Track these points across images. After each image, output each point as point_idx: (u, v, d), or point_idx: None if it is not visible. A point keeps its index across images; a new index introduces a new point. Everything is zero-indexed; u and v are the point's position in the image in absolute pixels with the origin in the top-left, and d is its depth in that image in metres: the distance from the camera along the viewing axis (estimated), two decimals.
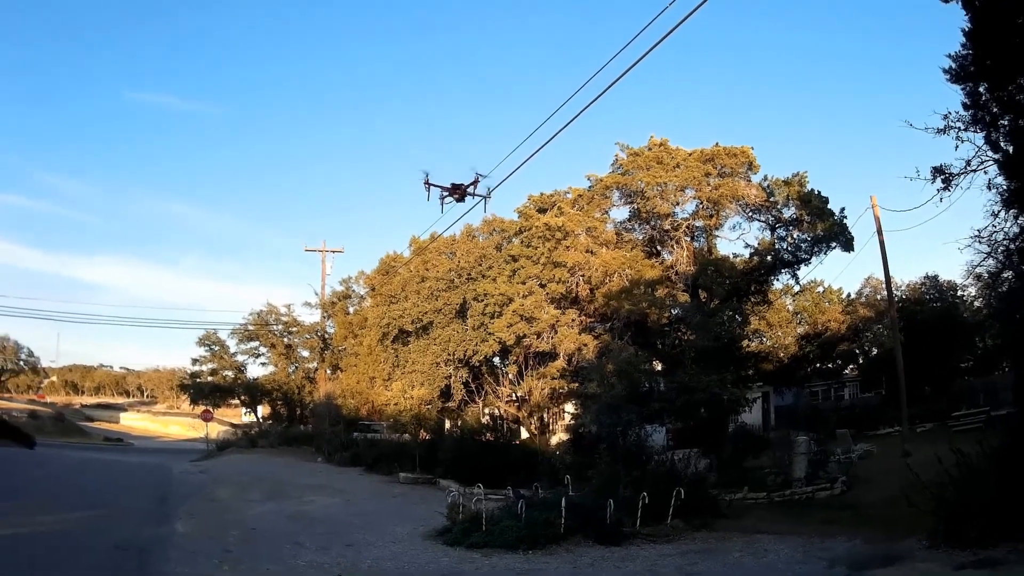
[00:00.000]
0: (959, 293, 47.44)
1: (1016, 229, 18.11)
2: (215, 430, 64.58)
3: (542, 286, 39.89)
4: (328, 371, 60.56)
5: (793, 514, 20.85)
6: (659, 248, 40.83)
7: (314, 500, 25.70)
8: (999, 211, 18.23)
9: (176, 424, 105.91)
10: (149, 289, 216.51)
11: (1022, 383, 14.52)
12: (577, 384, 37.37)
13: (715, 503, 21.67)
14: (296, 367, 66.03)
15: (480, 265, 43.29)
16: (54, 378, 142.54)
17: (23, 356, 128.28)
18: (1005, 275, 19.73)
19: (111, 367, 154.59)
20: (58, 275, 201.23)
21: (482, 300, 41.84)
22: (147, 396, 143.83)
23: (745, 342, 45.66)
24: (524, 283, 40.32)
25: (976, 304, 42.43)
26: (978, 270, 20.44)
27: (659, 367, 38.17)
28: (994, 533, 12.57)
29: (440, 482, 33.07)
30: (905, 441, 30.23)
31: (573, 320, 39.36)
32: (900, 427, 34.43)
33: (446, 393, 44.75)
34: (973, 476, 13.50)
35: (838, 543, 15.70)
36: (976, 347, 49.15)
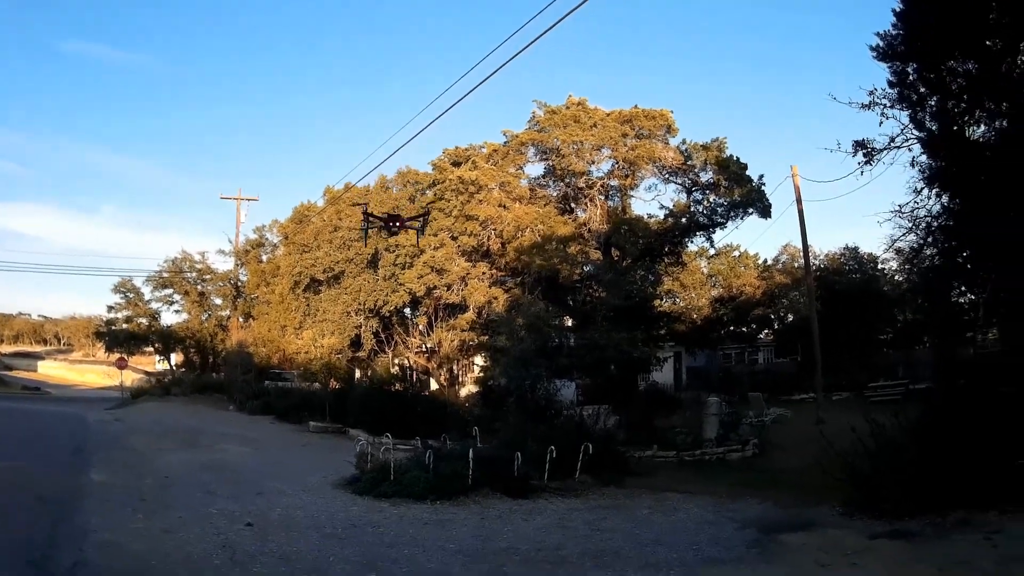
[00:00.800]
0: (879, 266, 48.21)
1: (938, 207, 18.72)
2: (130, 378, 63.94)
3: (454, 239, 40.16)
4: (241, 319, 60.49)
5: (703, 474, 21.51)
6: (573, 206, 41.07)
7: (226, 449, 25.98)
8: (922, 188, 18.89)
9: (92, 372, 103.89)
10: (69, 237, 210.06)
11: (942, 359, 15.13)
12: (487, 337, 37.95)
13: (624, 460, 22.32)
14: (209, 315, 65.54)
15: None
16: None
17: None
18: (927, 252, 20.27)
19: (29, 315, 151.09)
20: None
21: (393, 251, 42.18)
22: (64, 344, 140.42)
23: (658, 302, 46.23)
24: (436, 235, 40.54)
25: (896, 278, 43.18)
26: (899, 244, 20.95)
27: (570, 323, 38.67)
28: (909, 505, 13.19)
29: (350, 432, 33.59)
30: (820, 408, 31.08)
31: (484, 273, 39.84)
32: (815, 394, 35.33)
33: (356, 343, 45.13)
34: (888, 446, 14.10)
35: (749, 505, 16.34)
36: (896, 320, 50.01)
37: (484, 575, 11.96)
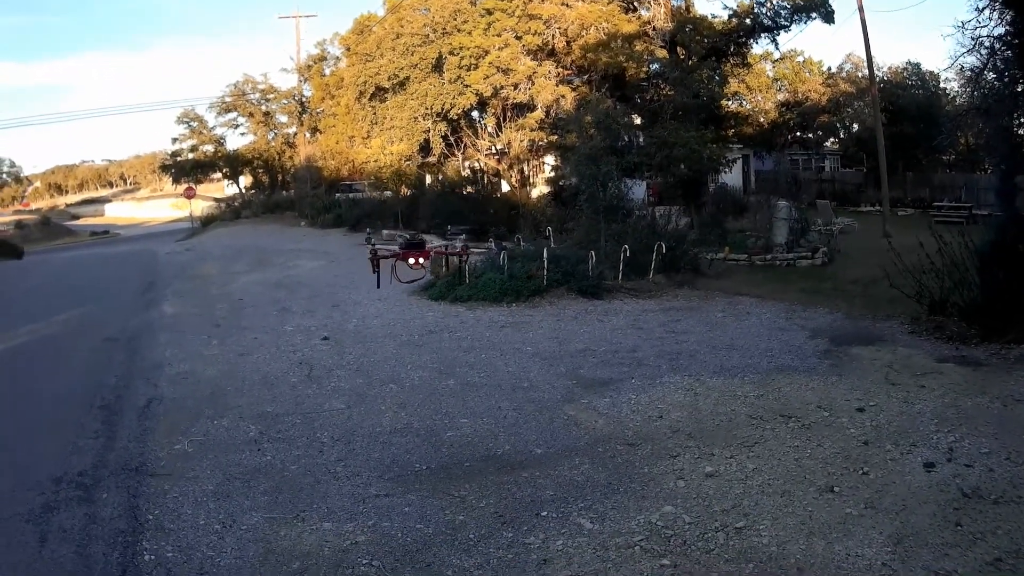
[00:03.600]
0: (941, 84, 47.29)
1: (1001, 30, 17.50)
2: (199, 207, 64.52)
3: (518, 38, 39.04)
4: (307, 134, 60.21)
5: (774, 279, 21.13)
6: (636, 4, 40.02)
7: (299, 265, 26.15)
8: (984, 7, 17.50)
9: (161, 207, 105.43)
10: (126, 81, 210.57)
11: (1007, 187, 14.29)
12: (556, 137, 37.24)
13: (696, 261, 22.13)
14: (275, 134, 65.33)
15: (455, 19, 41.83)
16: (38, 183, 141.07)
17: (5, 168, 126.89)
18: (988, 75, 19.16)
19: (92, 161, 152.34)
20: (38, 86, 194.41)
21: (457, 54, 40.89)
22: (131, 184, 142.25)
23: (725, 103, 45.25)
24: (499, 35, 39.42)
25: (959, 99, 41.19)
26: (960, 62, 19.77)
27: (638, 121, 38.02)
28: (974, 331, 12.87)
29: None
30: (886, 222, 30.20)
31: (550, 72, 38.79)
32: (881, 207, 34.47)
33: (425, 148, 44.54)
34: (956, 269, 13.59)
35: (819, 314, 15.98)
36: (958, 142, 48.13)
37: (561, 377, 11.85)
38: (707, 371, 11.88)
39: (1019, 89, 17.49)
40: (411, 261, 7.01)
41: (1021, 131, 18.93)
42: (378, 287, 7.18)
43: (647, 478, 8.25)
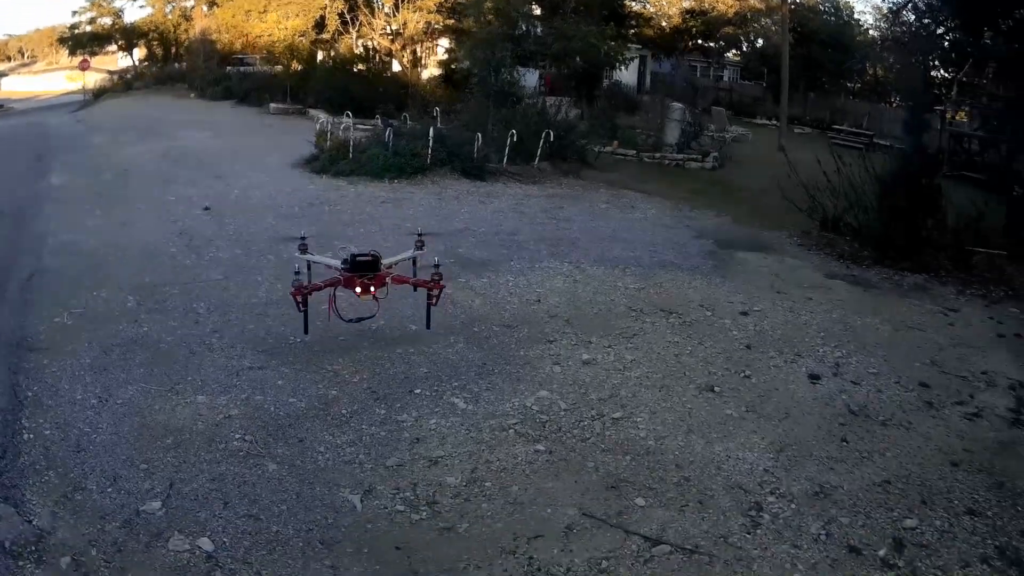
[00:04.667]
0: (855, 16, 48.58)
1: None
2: (92, 79, 61.82)
3: None
4: (204, 8, 57.70)
5: (661, 178, 21.17)
6: None
7: (186, 136, 25.30)
8: None
9: (56, 80, 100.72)
10: None
11: (917, 120, 14.29)
12: (453, 20, 36.74)
13: (584, 152, 22.00)
14: (173, 7, 62.46)
15: None
16: None
17: None
18: (907, 13, 19.09)
19: None
20: None
21: None
22: (28, 57, 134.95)
23: (628, 2, 45.24)
24: None
25: (872, 32, 43.54)
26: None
27: (538, 12, 37.06)
28: (867, 253, 12.99)
29: (310, 112, 32.80)
30: (782, 136, 30.08)
31: None
32: (778, 122, 34.24)
33: (320, 25, 43.32)
34: (853, 191, 13.66)
35: (706, 216, 15.98)
36: (867, 72, 49.11)
37: (439, 255, 11.70)
38: (588, 259, 11.89)
39: (938, 31, 17.63)
40: (358, 291, 5.93)
41: (934, 71, 19.20)
42: (306, 333, 6.61)
43: (523, 361, 8.26)
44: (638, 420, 7.12)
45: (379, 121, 22.91)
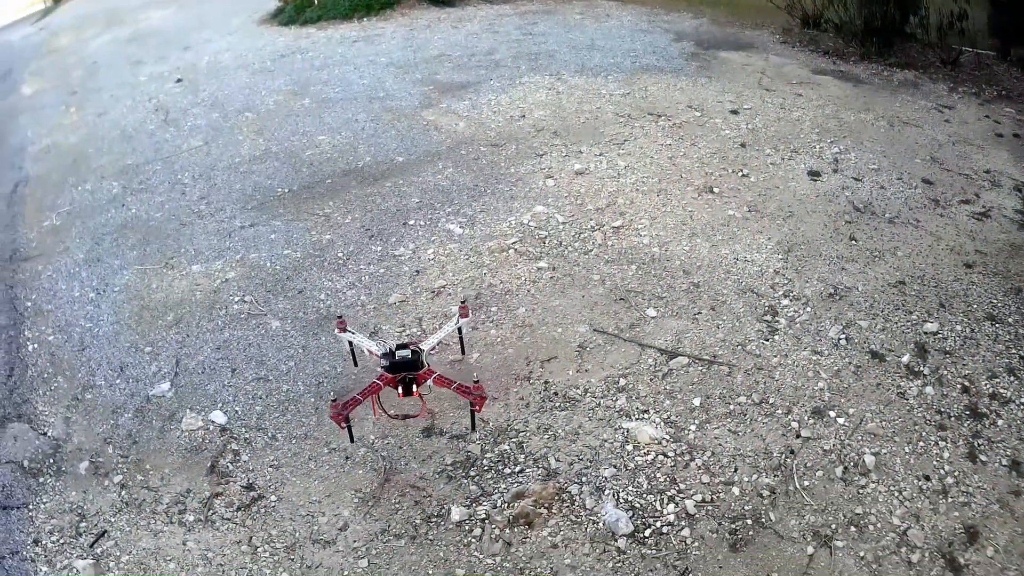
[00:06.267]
0: None
1: None
2: None
3: None
4: None
5: None
6: None
7: (149, 17, 24.23)
8: None
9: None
10: None
11: None
12: None
13: None
14: None
15: None
16: None
17: None
18: None
19: None
20: None
21: None
22: None
23: None
24: None
25: None
26: None
27: None
28: (852, 49, 12.19)
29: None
30: None
31: None
32: None
33: None
34: None
35: (683, 18, 14.98)
36: None
37: (417, 84, 11.27)
38: (568, 71, 11.31)
39: None
40: (400, 392, 5.06)
41: None
42: (351, 441, 5.68)
43: (514, 178, 7.91)
44: (639, 227, 6.80)
45: None
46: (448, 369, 5.32)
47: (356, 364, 5.30)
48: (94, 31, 24.19)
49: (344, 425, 4.59)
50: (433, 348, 5.12)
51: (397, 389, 4.61)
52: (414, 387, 4.59)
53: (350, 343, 5.22)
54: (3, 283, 7.36)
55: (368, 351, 5.01)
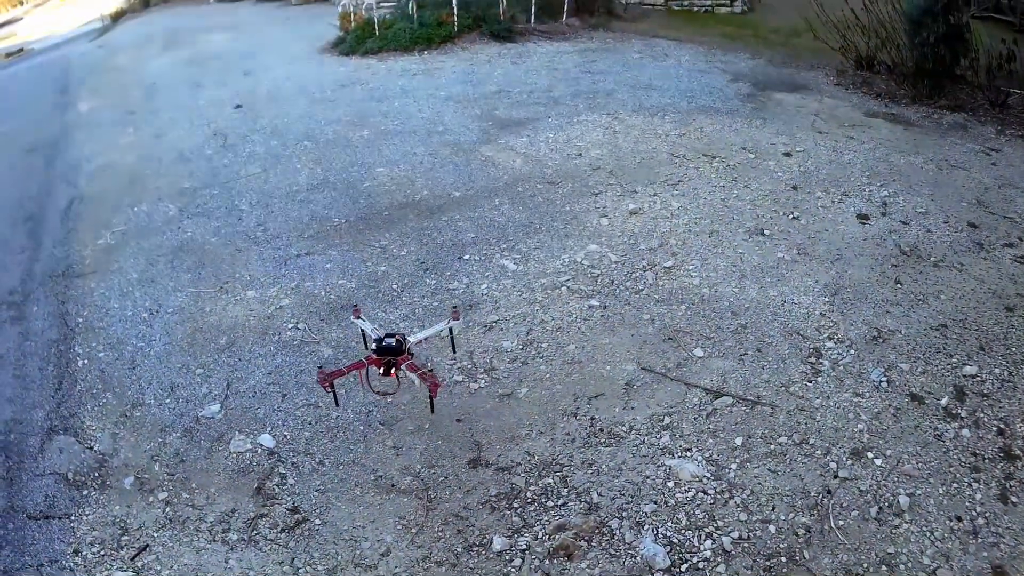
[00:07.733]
0: None
1: None
2: (110, 4, 61.14)
3: None
4: None
5: (691, 24, 20.19)
6: None
7: (209, 40, 24.86)
8: None
9: (73, 12, 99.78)
10: None
11: None
12: None
13: (611, 3, 20.99)
14: None
15: None
16: None
17: None
18: None
19: None
20: None
21: None
22: None
23: None
24: None
25: None
26: None
27: None
28: (904, 92, 12.32)
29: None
30: None
31: None
32: None
33: None
34: (883, 28, 12.84)
35: (741, 59, 15.20)
36: None
37: (476, 119, 11.45)
38: (625, 110, 11.48)
39: None
40: (380, 371, 5.64)
41: None
42: (336, 405, 6.17)
43: (569, 216, 8.04)
44: (690, 268, 6.91)
45: None
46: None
47: (367, 347, 5.55)
48: (153, 51, 24.79)
49: (329, 389, 4.93)
50: (420, 342, 5.39)
51: (379, 369, 4.94)
52: (393, 369, 4.94)
53: (362, 330, 5.50)
54: (55, 298, 7.58)
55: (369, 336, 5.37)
